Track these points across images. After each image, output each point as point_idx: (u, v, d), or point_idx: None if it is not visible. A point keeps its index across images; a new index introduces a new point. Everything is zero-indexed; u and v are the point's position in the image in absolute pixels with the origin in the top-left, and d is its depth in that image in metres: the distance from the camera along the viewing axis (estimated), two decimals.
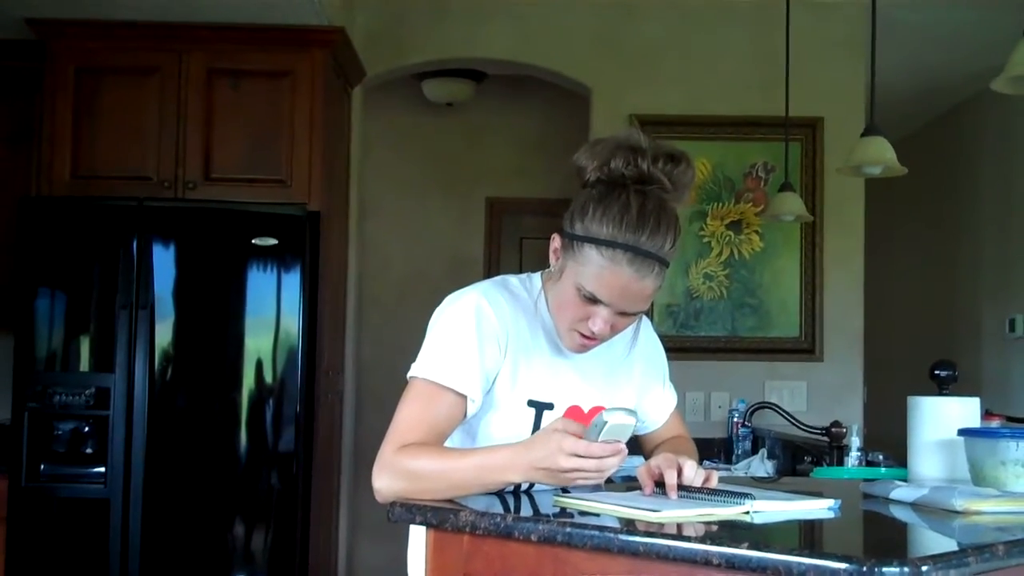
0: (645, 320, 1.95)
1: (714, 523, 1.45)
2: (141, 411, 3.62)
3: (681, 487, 1.61)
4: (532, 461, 1.58)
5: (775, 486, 2.17)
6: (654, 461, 1.67)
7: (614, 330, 1.74)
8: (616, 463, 1.58)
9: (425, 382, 1.73)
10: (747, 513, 1.50)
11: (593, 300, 1.69)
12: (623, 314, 1.71)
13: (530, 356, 1.79)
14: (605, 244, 1.65)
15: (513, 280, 1.85)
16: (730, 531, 1.40)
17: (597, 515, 1.49)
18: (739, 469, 3.82)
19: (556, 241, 1.76)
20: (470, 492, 1.64)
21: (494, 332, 1.75)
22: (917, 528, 1.60)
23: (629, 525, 1.38)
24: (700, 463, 1.71)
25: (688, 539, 1.31)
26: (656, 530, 1.35)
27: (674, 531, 1.36)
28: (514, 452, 1.62)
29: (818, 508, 1.65)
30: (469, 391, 1.72)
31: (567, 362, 1.82)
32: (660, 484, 1.64)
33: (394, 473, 1.66)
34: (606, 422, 1.53)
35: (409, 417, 1.71)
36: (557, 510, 1.56)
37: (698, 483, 1.62)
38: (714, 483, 1.64)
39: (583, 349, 1.78)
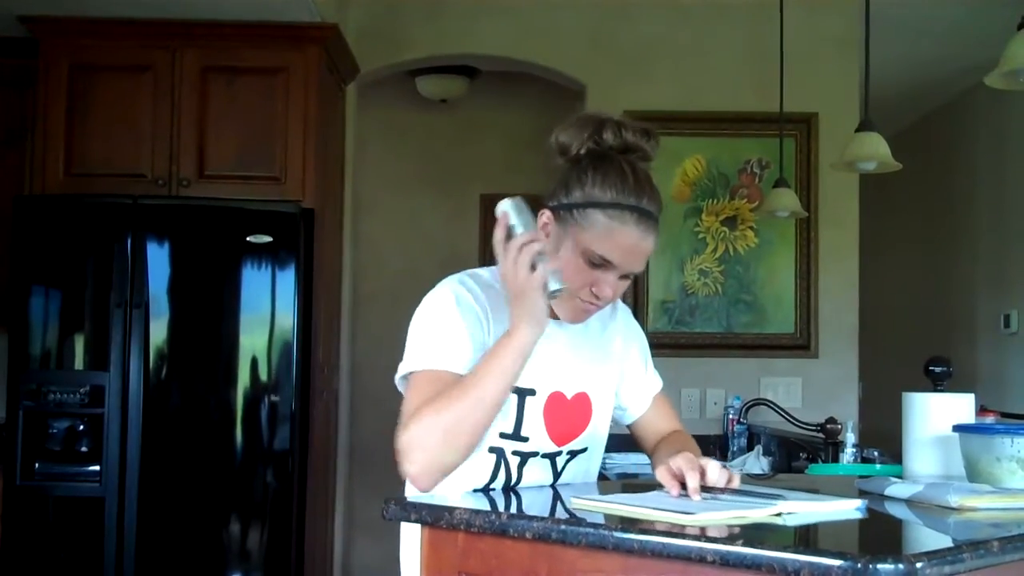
0: (620, 302, 1.98)
1: (747, 526, 1.40)
2: (136, 409, 3.61)
3: (704, 489, 1.57)
4: (518, 316, 1.66)
5: (774, 482, 2.17)
6: (675, 462, 1.61)
7: (614, 295, 1.79)
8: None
9: (422, 372, 1.73)
10: (779, 515, 1.46)
11: (602, 263, 1.73)
12: (623, 277, 1.77)
13: None
14: (611, 206, 1.71)
15: (482, 271, 1.86)
16: (725, 528, 1.39)
17: (636, 520, 1.41)
18: (735, 466, 3.81)
19: (545, 216, 1.78)
20: (499, 397, 1.66)
21: (475, 312, 1.77)
22: (912, 525, 1.59)
23: (624, 523, 1.37)
24: None
25: (683, 536, 1.30)
26: (650, 527, 1.34)
27: (668, 528, 1.36)
28: (505, 334, 1.68)
29: (847, 508, 1.61)
30: (464, 369, 1.72)
31: (546, 348, 1.79)
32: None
33: (421, 440, 1.64)
34: (505, 211, 1.67)
35: (415, 403, 1.69)
36: (549, 508, 1.55)
37: (722, 484, 1.58)
38: (736, 484, 1.60)
39: (584, 316, 1.82)
